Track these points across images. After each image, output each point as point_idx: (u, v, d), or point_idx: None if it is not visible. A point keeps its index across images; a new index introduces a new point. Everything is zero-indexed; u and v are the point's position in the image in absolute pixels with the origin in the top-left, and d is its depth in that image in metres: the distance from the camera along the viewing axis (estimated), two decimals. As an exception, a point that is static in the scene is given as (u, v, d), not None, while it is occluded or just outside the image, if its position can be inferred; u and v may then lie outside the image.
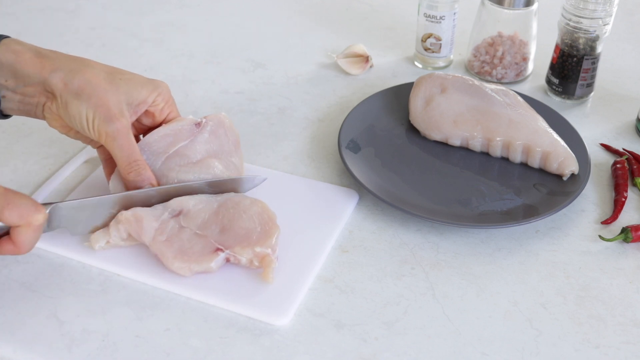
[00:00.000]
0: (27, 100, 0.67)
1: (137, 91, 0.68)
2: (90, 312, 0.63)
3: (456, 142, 0.81)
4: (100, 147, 0.72)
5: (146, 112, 0.71)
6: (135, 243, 0.68)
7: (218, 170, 0.71)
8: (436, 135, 0.82)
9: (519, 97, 0.83)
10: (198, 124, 0.73)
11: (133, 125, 0.70)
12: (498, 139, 0.78)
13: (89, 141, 0.71)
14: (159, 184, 0.69)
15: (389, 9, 1.15)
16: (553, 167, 0.76)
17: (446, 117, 0.81)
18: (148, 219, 0.66)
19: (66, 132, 0.70)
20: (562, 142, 0.78)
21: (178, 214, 0.67)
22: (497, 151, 0.80)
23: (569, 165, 0.76)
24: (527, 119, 0.79)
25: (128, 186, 0.68)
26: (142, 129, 0.73)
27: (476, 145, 0.80)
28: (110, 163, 0.72)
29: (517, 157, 0.79)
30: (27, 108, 0.68)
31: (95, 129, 0.65)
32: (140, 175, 0.67)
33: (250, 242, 0.65)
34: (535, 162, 0.78)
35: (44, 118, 0.68)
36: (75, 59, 0.67)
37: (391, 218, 0.73)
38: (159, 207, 0.68)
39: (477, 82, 0.83)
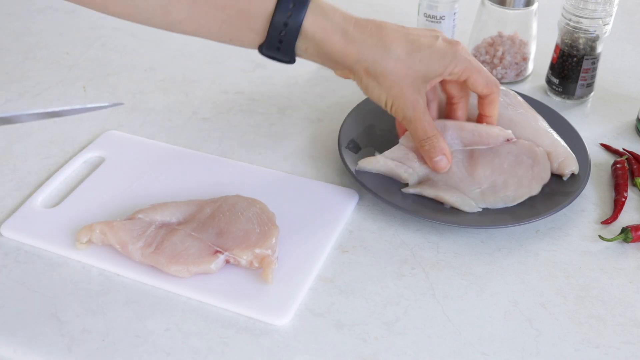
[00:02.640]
0: (322, 63, 0.72)
1: (433, 68, 0.70)
2: (90, 312, 0.63)
3: (457, 142, 0.81)
4: None
5: (443, 80, 0.74)
6: None
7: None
8: (436, 135, 0.81)
9: (519, 97, 0.83)
10: (508, 140, 0.75)
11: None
12: (498, 139, 0.78)
13: None
14: (451, 156, 0.73)
15: (389, 9, 1.15)
16: (553, 167, 0.76)
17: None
18: (132, 242, 0.65)
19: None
20: (562, 142, 0.78)
21: (162, 225, 0.67)
22: (497, 151, 0.80)
23: (569, 165, 0.76)
24: (527, 119, 0.79)
25: (422, 155, 0.73)
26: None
27: (477, 145, 0.80)
28: (401, 124, 0.77)
29: (517, 157, 0.79)
30: (321, 64, 0.72)
31: (393, 112, 0.71)
32: (434, 147, 0.72)
33: (249, 243, 0.65)
34: (535, 162, 0.78)
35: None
36: (377, 42, 0.69)
37: (391, 218, 0.73)
38: (144, 219, 0.68)
39: (477, 82, 0.83)
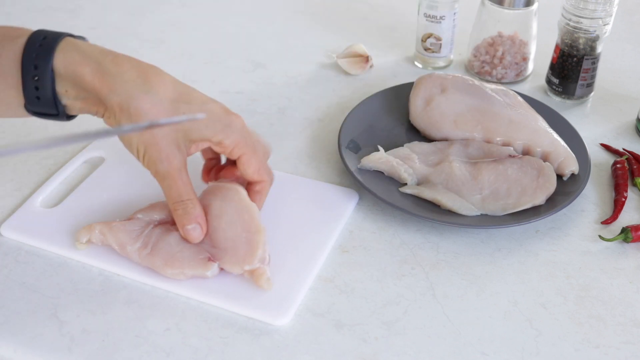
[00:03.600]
0: (88, 108, 0.64)
1: (198, 130, 0.62)
2: (90, 312, 0.63)
3: (457, 142, 0.81)
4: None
5: (211, 148, 0.66)
6: None
7: None
8: (436, 135, 0.81)
9: (519, 97, 0.83)
10: (513, 156, 0.75)
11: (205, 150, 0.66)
12: (498, 139, 0.78)
13: None
14: (208, 225, 0.65)
15: (389, 9, 1.15)
16: (553, 167, 0.76)
17: (446, 117, 0.81)
18: (131, 244, 0.65)
19: None
20: (562, 142, 0.78)
21: (159, 224, 0.67)
22: (497, 151, 0.80)
23: (569, 165, 0.76)
24: (527, 119, 0.79)
25: (175, 220, 0.65)
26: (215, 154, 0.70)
27: (476, 145, 0.80)
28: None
29: (517, 157, 0.79)
30: (89, 111, 0.64)
31: (145, 163, 0.63)
32: (188, 213, 0.63)
33: (238, 258, 0.63)
34: (535, 162, 0.78)
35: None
36: (138, 78, 0.61)
37: (391, 218, 0.73)
38: (143, 219, 0.67)
39: (477, 82, 0.83)
